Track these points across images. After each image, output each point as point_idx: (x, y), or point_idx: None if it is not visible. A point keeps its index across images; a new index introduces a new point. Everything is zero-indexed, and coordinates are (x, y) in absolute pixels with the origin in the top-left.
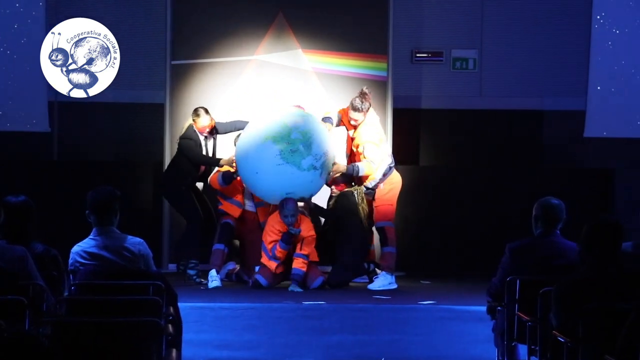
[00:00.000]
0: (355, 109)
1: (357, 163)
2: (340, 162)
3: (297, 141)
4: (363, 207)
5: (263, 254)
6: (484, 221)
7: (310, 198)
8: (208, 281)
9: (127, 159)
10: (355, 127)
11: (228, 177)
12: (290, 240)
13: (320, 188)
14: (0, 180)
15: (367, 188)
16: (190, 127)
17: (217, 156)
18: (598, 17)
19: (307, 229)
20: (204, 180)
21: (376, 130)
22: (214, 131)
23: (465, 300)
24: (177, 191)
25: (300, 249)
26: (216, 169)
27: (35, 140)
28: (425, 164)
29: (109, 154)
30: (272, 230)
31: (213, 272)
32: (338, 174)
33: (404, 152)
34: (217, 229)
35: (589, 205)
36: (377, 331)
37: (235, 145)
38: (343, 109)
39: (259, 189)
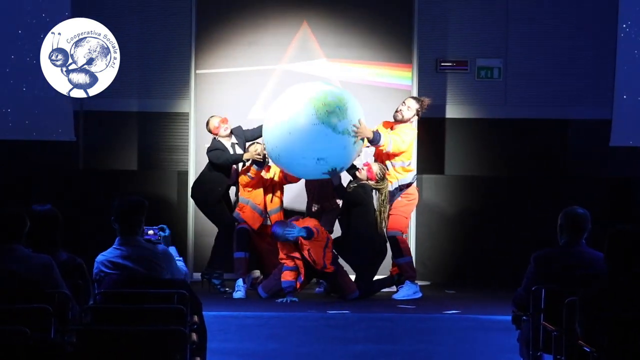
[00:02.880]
0: (411, 96)
1: (379, 132)
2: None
3: (333, 103)
4: (383, 208)
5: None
6: (509, 230)
7: (338, 175)
8: (235, 290)
9: (152, 167)
10: (395, 122)
11: (260, 162)
12: (258, 164)
13: (351, 161)
14: (27, 188)
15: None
16: (213, 140)
17: (246, 163)
18: (624, 25)
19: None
20: (236, 185)
21: (411, 137)
22: (232, 134)
23: (491, 310)
24: (207, 200)
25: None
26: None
27: (61, 149)
28: (450, 173)
29: (134, 163)
30: (281, 252)
31: (240, 281)
32: (362, 137)
33: (428, 162)
34: (234, 238)
35: (615, 215)
36: (402, 341)
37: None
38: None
39: (292, 153)
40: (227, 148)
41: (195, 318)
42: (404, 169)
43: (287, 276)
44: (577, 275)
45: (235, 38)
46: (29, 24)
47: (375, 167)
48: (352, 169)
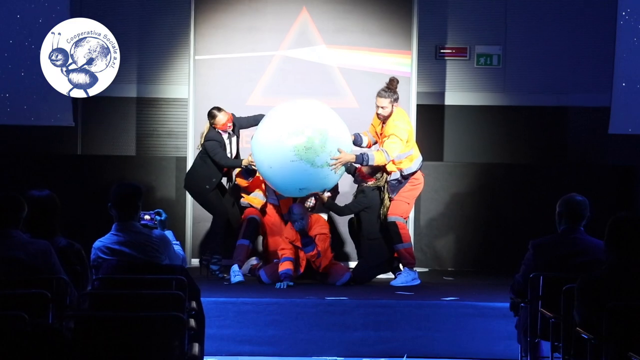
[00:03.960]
0: (379, 94)
1: (367, 152)
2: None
3: (312, 139)
4: (386, 202)
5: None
6: (507, 218)
7: (328, 191)
8: (230, 276)
9: (150, 153)
10: (384, 122)
11: (251, 171)
12: (249, 173)
13: (335, 182)
14: (25, 174)
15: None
16: (211, 129)
17: (241, 153)
18: (623, 13)
19: (319, 227)
20: (229, 176)
21: (406, 126)
22: (234, 126)
23: (489, 297)
24: (201, 190)
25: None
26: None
27: (59, 135)
28: (449, 160)
29: (132, 149)
30: (284, 241)
31: (235, 267)
32: (349, 162)
33: (428, 149)
34: (243, 225)
35: (614, 202)
36: (400, 327)
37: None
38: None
39: (274, 182)
40: (224, 140)
41: (194, 304)
42: (409, 158)
43: (285, 265)
44: (575, 263)
45: (234, 24)
46: (27, 8)
47: (365, 168)
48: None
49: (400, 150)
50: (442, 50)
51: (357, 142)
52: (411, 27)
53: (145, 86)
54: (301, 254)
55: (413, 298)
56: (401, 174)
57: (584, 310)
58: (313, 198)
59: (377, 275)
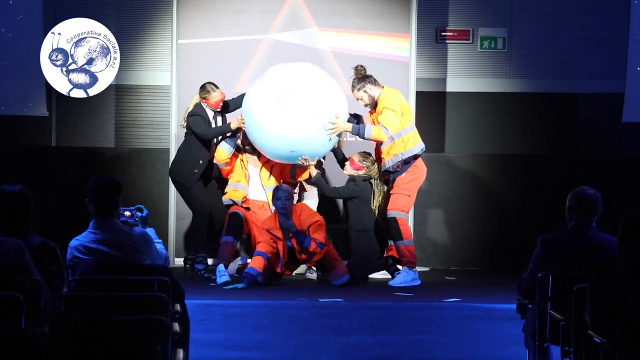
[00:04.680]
0: (352, 88)
1: (364, 124)
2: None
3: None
4: (377, 195)
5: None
6: (514, 213)
7: (320, 164)
8: (216, 276)
9: (130, 145)
10: (375, 108)
11: (232, 138)
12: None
13: (326, 151)
14: None
15: (386, 170)
16: (198, 104)
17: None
18: None
19: (308, 216)
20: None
21: (396, 99)
22: (224, 106)
23: (493, 298)
24: (188, 176)
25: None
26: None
27: (32, 125)
28: (450, 151)
29: (111, 140)
30: (260, 231)
31: (221, 266)
32: (341, 132)
33: (428, 139)
34: (226, 221)
35: (628, 195)
36: (399, 331)
37: None
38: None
39: (264, 143)
40: (208, 117)
41: (178, 307)
42: (410, 137)
43: (255, 262)
44: (587, 261)
45: (220, 5)
46: None
47: (357, 157)
48: (344, 160)
49: (398, 123)
50: (443, 33)
51: (356, 131)
52: (410, 8)
53: (124, 73)
54: (280, 245)
55: (413, 300)
56: (402, 159)
57: (596, 312)
58: (299, 186)
59: (371, 272)
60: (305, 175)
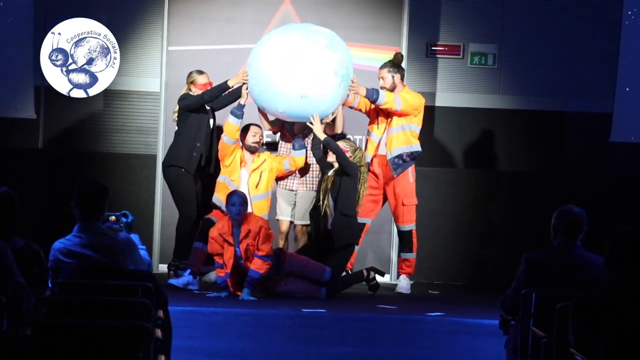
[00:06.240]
0: (382, 66)
1: (381, 90)
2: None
3: (321, 40)
4: (362, 190)
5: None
6: (499, 229)
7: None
8: (180, 279)
9: (118, 150)
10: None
11: (238, 108)
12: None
13: (336, 104)
14: None
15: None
16: (187, 93)
17: (217, 125)
18: (629, 12)
19: (254, 222)
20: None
21: (418, 96)
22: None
23: (477, 313)
24: (187, 159)
25: (257, 249)
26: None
27: (19, 128)
28: (438, 166)
29: (99, 145)
30: (212, 241)
31: (186, 272)
32: (354, 94)
33: None
34: (200, 225)
35: (614, 215)
36: (381, 343)
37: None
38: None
39: (274, 89)
40: None
41: (160, 313)
42: (417, 134)
43: (219, 272)
44: (571, 279)
45: (211, 14)
46: None
47: (341, 143)
48: (320, 150)
49: (411, 106)
50: (433, 48)
51: (370, 95)
52: (401, 22)
53: (114, 78)
54: (229, 251)
55: (396, 312)
56: (411, 150)
57: (579, 330)
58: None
59: (350, 284)
60: (300, 164)
